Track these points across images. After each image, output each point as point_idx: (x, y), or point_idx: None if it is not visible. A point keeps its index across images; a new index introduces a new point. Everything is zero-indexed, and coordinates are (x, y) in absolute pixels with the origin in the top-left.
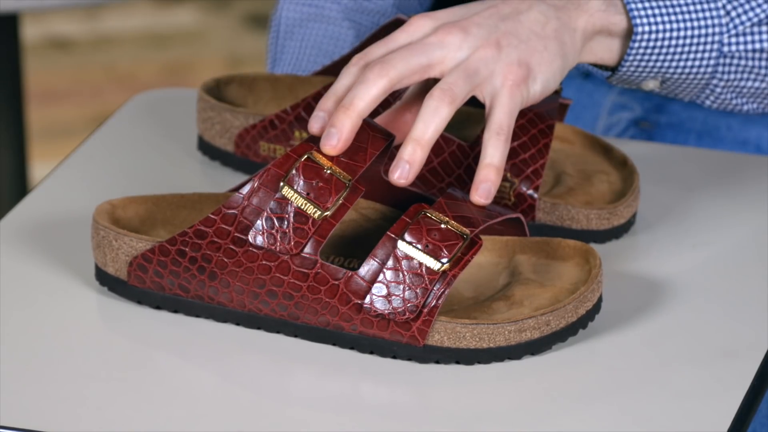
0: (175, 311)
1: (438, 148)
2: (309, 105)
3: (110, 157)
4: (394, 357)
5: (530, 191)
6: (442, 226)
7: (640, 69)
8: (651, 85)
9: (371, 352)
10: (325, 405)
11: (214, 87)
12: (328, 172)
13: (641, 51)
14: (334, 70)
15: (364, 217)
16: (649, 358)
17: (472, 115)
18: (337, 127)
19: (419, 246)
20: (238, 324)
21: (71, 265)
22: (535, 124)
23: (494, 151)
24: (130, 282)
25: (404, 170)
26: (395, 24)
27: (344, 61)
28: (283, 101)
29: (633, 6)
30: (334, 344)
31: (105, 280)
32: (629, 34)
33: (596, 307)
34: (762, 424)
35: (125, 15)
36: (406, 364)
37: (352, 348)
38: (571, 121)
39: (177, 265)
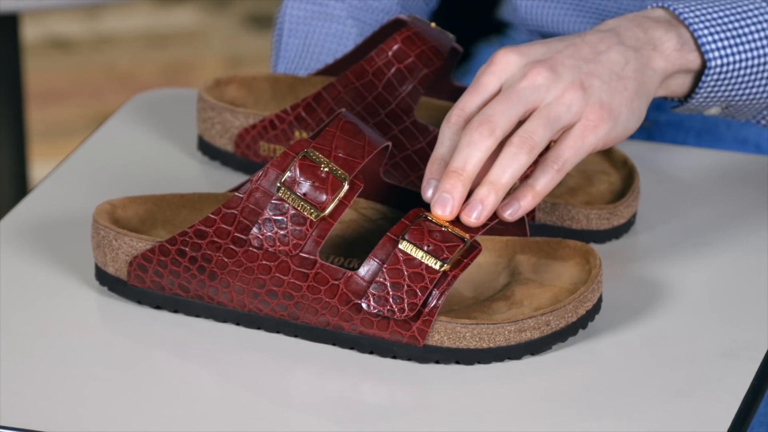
0: (175, 311)
1: None
2: (309, 105)
3: (110, 157)
4: (394, 357)
5: None
6: (443, 229)
7: (708, 99)
8: (713, 111)
9: (371, 352)
10: (325, 405)
11: (214, 87)
12: (326, 170)
13: (711, 84)
14: (335, 69)
15: (364, 217)
16: (649, 358)
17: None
18: (449, 192)
19: (420, 246)
20: (238, 324)
21: (71, 265)
22: None
23: (540, 175)
24: (130, 282)
25: (478, 210)
26: (395, 24)
27: (345, 59)
28: (283, 101)
29: (705, 41)
30: (333, 344)
31: (105, 279)
32: (702, 69)
33: (596, 307)
34: (760, 423)
35: (125, 15)
36: (406, 364)
37: (352, 348)
38: None
39: (177, 265)
